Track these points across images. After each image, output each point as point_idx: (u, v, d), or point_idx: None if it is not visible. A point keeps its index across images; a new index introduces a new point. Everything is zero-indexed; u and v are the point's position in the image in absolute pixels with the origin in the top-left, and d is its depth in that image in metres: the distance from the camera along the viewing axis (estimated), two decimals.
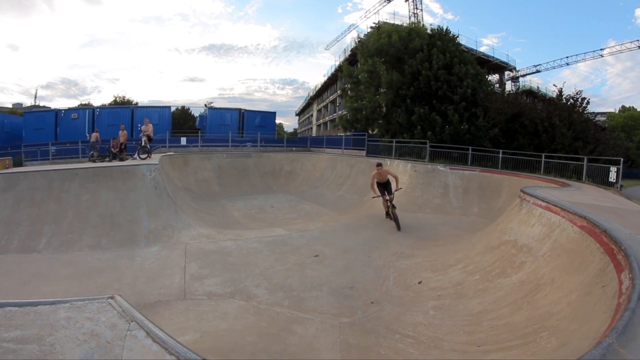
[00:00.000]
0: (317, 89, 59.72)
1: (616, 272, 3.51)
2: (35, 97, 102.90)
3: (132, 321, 2.32)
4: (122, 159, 14.98)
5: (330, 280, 6.87)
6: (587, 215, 5.00)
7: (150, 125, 15.99)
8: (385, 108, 22.65)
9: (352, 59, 36.02)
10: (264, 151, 23.83)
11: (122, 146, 16.67)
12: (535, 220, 6.33)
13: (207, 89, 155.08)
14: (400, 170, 14.98)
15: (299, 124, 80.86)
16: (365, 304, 5.88)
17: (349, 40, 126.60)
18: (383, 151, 20.33)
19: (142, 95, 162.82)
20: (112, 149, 16.92)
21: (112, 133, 25.23)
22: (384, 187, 11.32)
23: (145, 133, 15.25)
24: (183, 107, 43.97)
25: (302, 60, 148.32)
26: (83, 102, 55.17)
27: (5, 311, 2.27)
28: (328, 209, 14.26)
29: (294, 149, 27.10)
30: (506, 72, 38.08)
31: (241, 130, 31.05)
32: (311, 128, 64.34)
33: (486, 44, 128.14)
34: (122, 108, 35.83)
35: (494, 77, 35.14)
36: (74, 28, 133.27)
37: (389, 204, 11.21)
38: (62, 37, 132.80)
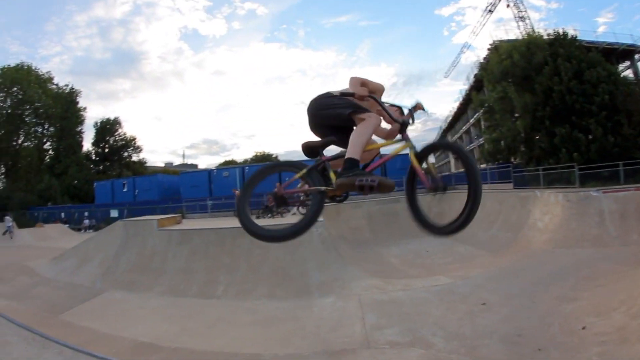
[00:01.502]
0: (448, 121, 58.69)
1: None
2: (184, 156, 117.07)
3: None
4: (280, 213, 16.10)
5: (499, 328, 6.90)
6: None
7: None
8: (524, 134, 21.71)
9: (477, 85, 35.26)
10: None
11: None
12: None
13: None
14: (552, 202, 14.25)
15: (435, 159, 78.69)
16: (533, 351, 5.90)
17: (464, 61, 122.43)
18: (530, 181, 19.52)
19: (278, 147, 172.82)
20: (268, 204, 18.25)
21: (262, 188, 27.46)
22: None
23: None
24: None
25: (424, 91, 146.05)
26: (226, 159, 60.34)
27: None
28: (482, 250, 14.00)
29: None
30: (636, 56, 31.74)
31: (384, 175, 31.65)
32: (449, 162, 62.26)
33: (603, 23, 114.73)
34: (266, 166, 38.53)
35: (624, 66, 30.33)
36: (207, 95, 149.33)
37: None
38: (198, 104, 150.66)
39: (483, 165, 30.03)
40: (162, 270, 12.30)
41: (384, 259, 14.06)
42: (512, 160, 22.99)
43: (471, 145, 44.86)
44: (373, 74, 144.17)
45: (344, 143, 3.64)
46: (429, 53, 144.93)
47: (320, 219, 10.83)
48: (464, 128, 49.87)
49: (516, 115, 22.06)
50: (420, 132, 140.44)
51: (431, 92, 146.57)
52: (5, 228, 28.08)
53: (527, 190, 17.19)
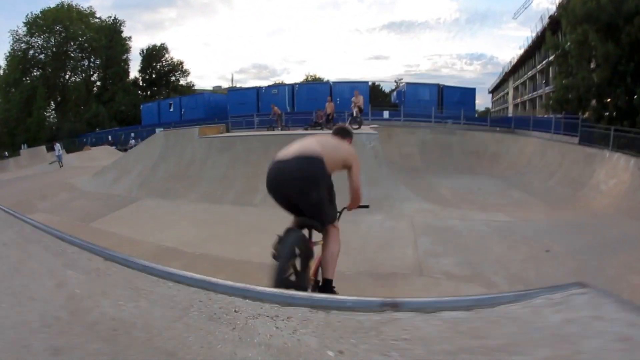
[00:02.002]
0: (512, 64, 54.87)
1: None
2: (232, 81, 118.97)
3: None
4: (330, 129, 15.62)
5: (566, 280, 6.17)
6: None
7: (361, 97, 16.43)
8: (599, 86, 19.83)
9: (552, 28, 32.12)
10: (467, 129, 22.73)
11: (330, 117, 17.51)
12: None
13: (392, 66, 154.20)
14: (621, 166, 12.96)
15: (492, 103, 74.93)
16: None
17: (535, 6, 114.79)
18: (598, 140, 18.00)
19: (330, 73, 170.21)
20: (317, 120, 17.90)
21: (310, 106, 27.29)
22: None
23: (357, 104, 15.62)
24: (373, 83, 44.47)
25: (488, 32, 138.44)
26: (277, 82, 60.55)
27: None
28: (538, 200, 13.09)
29: (497, 129, 25.19)
30: None
31: (440, 106, 30.12)
32: (507, 107, 59.70)
33: None
34: (321, 84, 38.09)
35: None
36: (257, 20, 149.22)
37: None
38: (248, 29, 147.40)
39: (544, 114, 28.34)
40: (199, 178, 12.21)
41: (434, 188, 13.35)
42: (580, 113, 21.33)
43: (536, 93, 42.41)
44: (433, 6, 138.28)
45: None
46: None
47: (374, 132, 10.11)
48: (529, 74, 46.40)
49: (594, 65, 20.18)
50: (479, 75, 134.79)
51: (495, 34, 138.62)
52: (55, 157, 28.25)
53: (594, 147, 15.84)
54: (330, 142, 3.86)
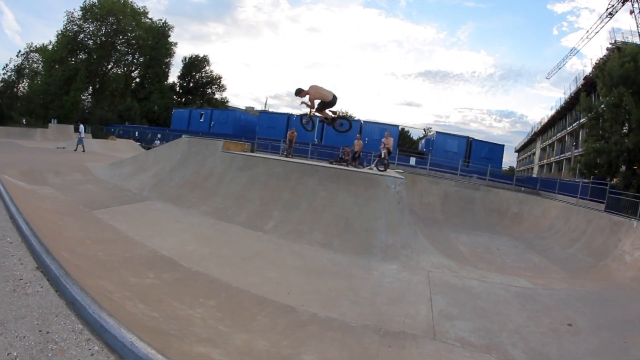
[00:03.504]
0: (542, 124, 55.10)
1: None
2: (265, 104, 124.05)
3: None
4: (355, 167, 15.51)
5: (587, 357, 5.76)
6: None
7: (391, 138, 16.26)
8: (630, 152, 19.29)
9: (587, 89, 31.87)
10: (491, 186, 22.34)
11: (356, 155, 17.38)
12: None
13: (423, 114, 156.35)
14: None
15: (517, 162, 75.70)
16: None
17: (569, 67, 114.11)
18: (625, 208, 17.41)
19: (361, 113, 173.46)
20: (343, 156, 17.80)
21: (338, 141, 27.46)
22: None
23: (386, 146, 15.48)
24: (402, 128, 45.01)
25: (520, 90, 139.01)
26: (308, 114, 62.26)
27: None
28: (558, 267, 12.52)
29: (522, 189, 24.84)
30: None
31: (467, 159, 29.99)
32: (532, 168, 59.49)
33: None
34: (352, 120, 38.45)
35: None
36: (298, 50, 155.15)
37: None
38: (288, 57, 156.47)
39: (569, 178, 27.85)
40: (213, 192, 11.93)
41: (452, 243, 12.93)
42: (609, 179, 20.77)
43: (563, 155, 42.03)
44: (469, 60, 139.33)
45: None
46: (533, 50, 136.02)
47: (401, 176, 9.80)
48: (558, 135, 46.15)
49: (627, 129, 19.77)
50: (507, 132, 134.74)
51: (527, 92, 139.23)
52: (77, 140, 28.12)
53: (621, 216, 15.27)
54: None
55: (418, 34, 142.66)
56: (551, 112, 49.13)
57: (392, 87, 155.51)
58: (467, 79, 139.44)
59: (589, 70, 33.22)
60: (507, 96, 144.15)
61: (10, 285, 2.10)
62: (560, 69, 52.22)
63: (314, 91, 9.63)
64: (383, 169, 14.50)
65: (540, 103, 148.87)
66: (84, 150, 26.51)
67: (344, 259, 8.18)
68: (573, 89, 38.89)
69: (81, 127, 28.32)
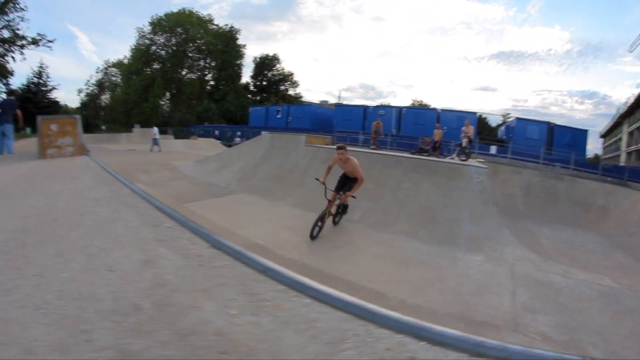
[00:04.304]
0: (627, 105, 50.13)
1: None
2: (339, 97, 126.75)
3: None
4: (436, 157, 15.61)
5: None
6: None
7: (472, 127, 16.12)
8: None
9: None
10: (575, 175, 21.27)
11: (437, 145, 17.47)
12: None
13: (499, 99, 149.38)
14: None
15: (603, 149, 69.67)
16: None
17: None
18: None
19: (435, 101, 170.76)
20: (423, 146, 17.94)
21: (416, 131, 27.55)
22: (344, 181, 8.80)
23: (467, 135, 15.42)
24: (480, 115, 44.19)
25: (601, 67, 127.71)
26: (383, 103, 64.17)
27: None
28: None
29: (608, 179, 23.09)
30: None
31: (549, 146, 28.87)
32: (618, 155, 54.71)
33: None
34: (428, 110, 38.54)
35: None
36: (366, 41, 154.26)
37: (335, 205, 8.78)
38: (356, 48, 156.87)
39: None
40: (299, 184, 12.53)
41: (534, 236, 12.71)
42: None
43: None
44: (543, 36, 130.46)
45: None
46: (613, 20, 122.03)
47: (484, 166, 9.94)
48: None
49: None
50: (590, 115, 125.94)
51: (609, 69, 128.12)
52: (152, 142, 29.55)
53: None
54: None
55: (486, 12, 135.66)
56: (638, 90, 45.30)
57: (466, 72, 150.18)
58: (543, 57, 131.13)
59: None
60: (588, 74, 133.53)
61: (193, 261, 2.35)
62: None
63: None
64: (465, 158, 14.55)
65: (624, 80, 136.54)
66: (159, 150, 28.18)
67: (429, 249, 8.43)
68: None
69: (154, 129, 30.10)
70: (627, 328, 6.61)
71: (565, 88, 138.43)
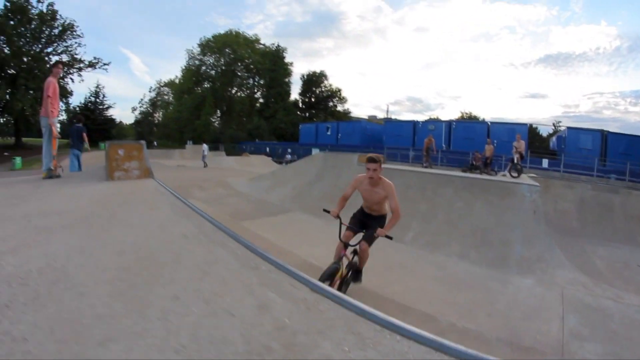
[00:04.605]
0: None
1: None
2: (387, 112, 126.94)
3: None
4: (488, 174, 15.63)
5: None
6: None
7: (523, 141, 16.10)
8: None
9: None
10: (632, 187, 20.25)
11: (488, 161, 17.44)
12: None
13: (549, 105, 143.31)
14: None
15: None
16: None
17: None
18: None
19: (484, 111, 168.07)
20: (474, 162, 17.94)
21: (466, 146, 27.45)
22: (363, 218, 6.43)
23: (518, 150, 15.41)
24: (530, 125, 43.68)
25: None
26: (431, 117, 64.08)
27: None
28: None
29: None
30: None
31: (603, 157, 28.07)
32: None
33: None
34: (478, 123, 38.24)
35: None
36: (411, 53, 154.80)
37: (351, 253, 6.12)
38: (402, 61, 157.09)
39: None
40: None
41: (588, 257, 12.45)
42: None
43: None
44: (590, 34, 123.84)
45: None
46: None
47: (536, 183, 9.99)
48: None
49: None
50: (622, 114, 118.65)
51: None
52: (202, 158, 31.26)
53: None
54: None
55: (529, 15, 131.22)
56: None
57: (513, 79, 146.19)
58: (591, 58, 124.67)
59: None
60: None
61: (301, 305, 2.60)
62: None
63: None
64: (517, 174, 14.59)
65: None
66: (206, 166, 29.68)
67: (480, 271, 8.61)
68: None
69: (204, 146, 31.47)
70: None
71: (617, 89, 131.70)
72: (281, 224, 11.67)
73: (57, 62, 8.30)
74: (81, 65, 51.39)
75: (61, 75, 8.30)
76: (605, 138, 30.10)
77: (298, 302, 2.60)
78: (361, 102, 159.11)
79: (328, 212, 6.00)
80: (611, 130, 30.90)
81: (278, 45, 72.28)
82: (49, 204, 5.72)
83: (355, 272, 6.23)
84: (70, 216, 4.88)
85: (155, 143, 57.92)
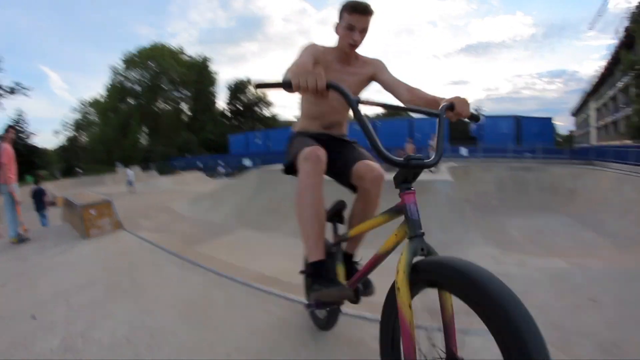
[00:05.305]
0: (592, 83, 52.12)
1: None
2: None
3: None
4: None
5: (600, 331, 5.87)
6: None
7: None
8: None
9: (628, 42, 30.91)
10: (544, 163, 22.32)
11: None
12: None
13: (472, 90, 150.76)
14: None
15: (576, 126, 70.91)
16: None
17: (614, 9, 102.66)
18: None
19: None
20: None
21: (394, 143, 28.30)
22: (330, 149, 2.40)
23: (433, 148, 16.43)
24: None
25: (567, 45, 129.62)
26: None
27: None
28: (608, 243, 12.88)
29: (574, 162, 24.20)
30: None
31: (518, 139, 30.54)
32: (589, 132, 56.00)
33: None
34: (400, 120, 39.02)
35: None
36: None
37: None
38: None
39: (627, 141, 27.11)
40: (289, 215, 12.82)
41: (505, 229, 13.91)
42: None
43: (616, 115, 40.14)
44: (507, 24, 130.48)
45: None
46: None
47: (449, 178, 11.20)
48: (610, 93, 43.43)
49: None
50: (562, 94, 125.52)
51: (574, 46, 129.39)
52: (127, 184, 30.26)
53: None
54: None
55: (450, 9, 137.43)
56: (601, 65, 45.97)
57: (438, 69, 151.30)
58: (509, 45, 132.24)
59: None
60: (555, 55, 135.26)
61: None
62: (601, 15, 52.66)
63: None
64: (434, 170, 15.64)
65: (590, 54, 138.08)
66: (134, 192, 28.63)
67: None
68: (616, 40, 36.76)
69: (128, 171, 31.16)
70: (567, 300, 7.53)
71: (534, 70, 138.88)
72: (229, 243, 12.10)
73: (8, 127, 8.44)
74: (0, 91, 48.03)
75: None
76: (519, 122, 32.83)
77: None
78: (288, 103, 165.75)
79: None
80: (530, 107, 33.14)
81: (205, 58, 72.59)
82: (62, 278, 5.49)
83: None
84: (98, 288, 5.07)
85: (80, 170, 53.53)
